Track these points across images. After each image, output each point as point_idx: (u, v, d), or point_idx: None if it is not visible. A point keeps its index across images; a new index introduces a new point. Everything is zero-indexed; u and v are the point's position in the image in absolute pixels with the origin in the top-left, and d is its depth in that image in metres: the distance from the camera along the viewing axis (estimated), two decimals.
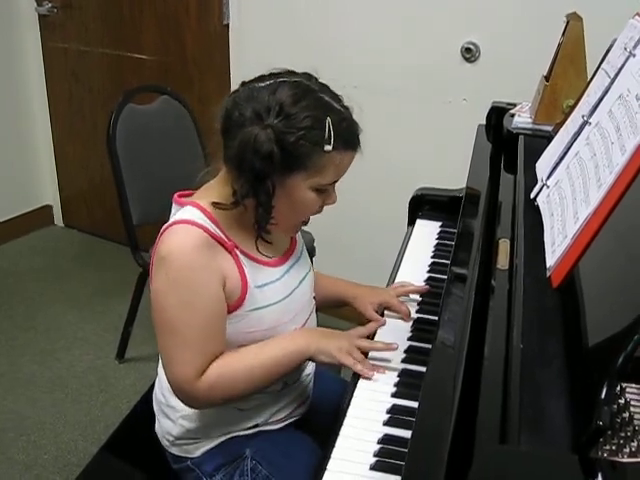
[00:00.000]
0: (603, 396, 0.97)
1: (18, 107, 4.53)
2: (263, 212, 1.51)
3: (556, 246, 1.41)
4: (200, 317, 1.52)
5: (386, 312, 1.89)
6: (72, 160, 4.65)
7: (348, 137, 1.53)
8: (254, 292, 1.59)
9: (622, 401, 1.12)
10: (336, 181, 1.58)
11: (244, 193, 1.49)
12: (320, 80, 1.57)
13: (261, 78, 1.54)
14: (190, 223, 1.51)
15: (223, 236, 1.54)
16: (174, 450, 1.76)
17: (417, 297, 1.95)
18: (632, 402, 1.13)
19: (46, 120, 4.63)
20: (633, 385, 1.15)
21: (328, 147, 1.48)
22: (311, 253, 3.26)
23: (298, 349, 1.62)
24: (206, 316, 1.53)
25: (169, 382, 1.59)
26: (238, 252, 1.57)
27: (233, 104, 1.51)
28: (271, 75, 1.54)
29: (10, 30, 4.37)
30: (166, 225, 1.54)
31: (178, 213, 1.56)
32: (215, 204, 1.54)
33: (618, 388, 1.14)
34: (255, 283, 1.59)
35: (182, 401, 1.62)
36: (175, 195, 1.65)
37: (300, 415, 1.82)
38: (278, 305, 1.64)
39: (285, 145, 1.45)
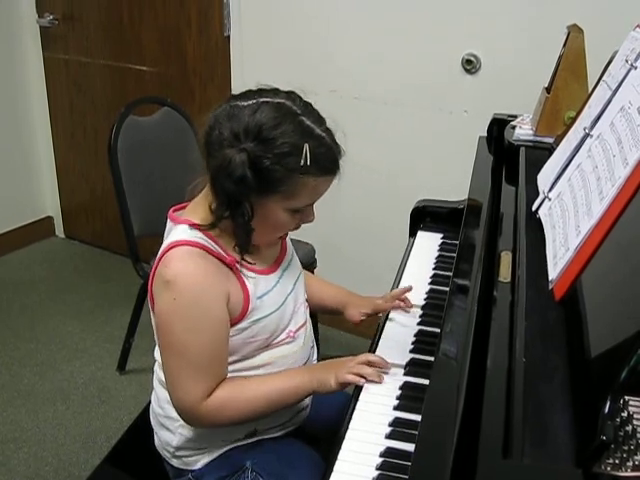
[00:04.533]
0: (606, 411, 0.97)
1: (19, 119, 4.54)
2: (242, 234, 1.53)
3: (558, 259, 1.41)
4: (206, 340, 1.54)
5: (388, 323, 1.90)
6: (73, 171, 4.65)
7: (325, 163, 1.51)
8: (256, 304, 1.60)
9: (625, 414, 1.12)
10: (312, 203, 1.58)
11: (219, 215, 1.51)
12: (305, 99, 1.55)
13: (245, 95, 1.53)
14: (191, 244, 1.52)
15: (222, 252, 1.55)
16: (175, 462, 1.76)
17: (419, 309, 1.95)
18: (635, 415, 1.13)
19: (47, 131, 4.63)
20: (636, 398, 1.15)
21: (304, 173, 1.47)
22: (312, 264, 3.26)
23: (302, 385, 1.64)
24: (212, 339, 1.55)
25: (173, 403, 1.61)
26: (238, 266, 1.58)
27: (214, 121, 1.51)
28: (256, 92, 1.53)
29: (11, 42, 4.38)
30: (166, 247, 1.55)
31: (174, 232, 1.58)
32: (193, 226, 1.55)
33: (621, 401, 1.14)
34: (256, 295, 1.60)
35: (186, 422, 1.64)
36: (170, 210, 1.66)
37: (300, 422, 1.82)
38: (276, 313, 1.66)
39: (259, 169, 1.45)
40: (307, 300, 1.84)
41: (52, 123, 4.61)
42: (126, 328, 3.41)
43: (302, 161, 1.46)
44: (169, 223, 1.64)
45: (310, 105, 1.55)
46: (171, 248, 1.53)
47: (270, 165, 1.45)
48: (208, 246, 1.53)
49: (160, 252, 1.56)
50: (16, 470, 2.87)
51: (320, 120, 1.54)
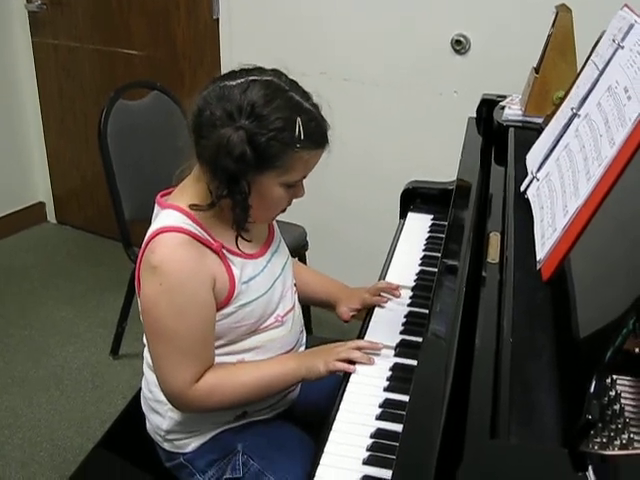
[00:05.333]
0: (592, 390, 0.98)
1: (9, 104, 4.52)
2: (240, 212, 1.53)
3: (546, 239, 1.41)
4: (193, 324, 1.55)
5: (377, 308, 1.90)
6: (64, 156, 4.64)
7: (317, 136, 1.53)
8: (241, 288, 1.61)
9: (613, 393, 1.13)
10: (305, 177, 1.60)
11: (220, 194, 1.51)
12: (290, 77, 1.57)
13: (232, 75, 1.54)
14: (177, 230, 1.53)
15: (209, 237, 1.56)
16: (166, 446, 1.77)
17: (409, 291, 1.96)
18: (623, 394, 1.13)
19: (37, 117, 4.61)
20: (624, 377, 1.16)
21: (298, 147, 1.49)
22: (304, 247, 3.26)
23: (291, 372, 1.66)
24: (199, 323, 1.56)
25: (162, 388, 1.62)
26: (225, 251, 1.58)
27: (204, 103, 1.51)
28: (241, 72, 1.54)
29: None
30: (152, 232, 1.55)
31: (161, 218, 1.58)
32: (192, 206, 1.56)
33: (609, 380, 1.15)
34: (242, 279, 1.61)
35: (175, 407, 1.66)
36: (158, 196, 1.67)
37: (289, 404, 1.83)
38: (264, 297, 1.66)
39: (256, 146, 1.46)
40: (296, 286, 1.85)
41: (42, 108, 4.59)
42: (119, 313, 3.41)
43: (296, 135, 1.48)
44: (156, 208, 1.65)
45: (295, 82, 1.57)
46: (157, 234, 1.53)
47: (266, 141, 1.46)
48: (194, 232, 1.54)
49: (146, 238, 1.56)
50: (11, 456, 2.88)
51: (306, 95, 1.56)
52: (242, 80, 1.50)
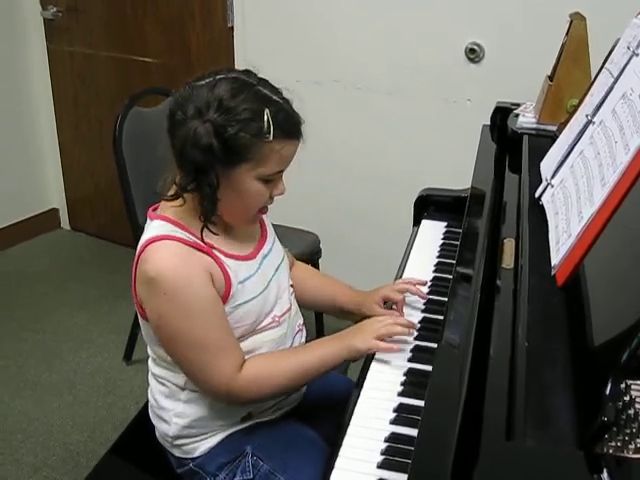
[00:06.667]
0: (608, 392, 0.98)
1: (24, 111, 4.55)
2: (208, 204, 1.54)
3: (560, 245, 1.42)
4: (207, 321, 1.56)
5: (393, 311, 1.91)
6: (78, 163, 4.67)
7: (287, 127, 1.54)
8: (237, 288, 1.62)
9: (627, 398, 1.13)
10: (281, 171, 1.60)
11: (183, 185, 1.53)
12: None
13: (201, 76, 1.56)
14: (166, 238, 1.55)
15: (199, 241, 1.57)
16: (175, 452, 1.77)
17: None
18: (637, 399, 1.13)
19: (52, 124, 4.64)
20: (639, 382, 1.16)
21: (268, 137, 1.50)
22: (317, 254, 3.26)
23: (331, 355, 1.67)
24: (212, 318, 1.57)
25: (206, 391, 1.64)
26: (216, 252, 1.60)
27: (175, 105, 1.54)
28: (210, 73, 1.57)
29: (15, 34, 4.39)
30: (142, 244, 1.57)
31: (149, 229, 1.60)
32: (165, 220, 1.58)
33: (623, 385, 1.15)
34: (237, 279, 1.62)
35: (226, 402, 1.67)
36: (150, 210, 1.68)
37: (294, 403, 1.83)
38: (259, 298, 1.67)
39: (225, 138, 1.48)
40: (292, 287, 1.85)
41: (57, 115, 4.62)
42: (132, 319, 3.41)
43: (265, 125, 1.49)
44: (148, 221, 1.67)
45: (265, 79, 1.59)
46: (147, 245, 1.55)
47: (235, 133, 1.48)
48: (183, 237, 1.56)
49: (138, 250, 1.58)
50: (24, 460, 2.89)
51: (276, 90, 1.58)
52: (210, 79, 1.54)
